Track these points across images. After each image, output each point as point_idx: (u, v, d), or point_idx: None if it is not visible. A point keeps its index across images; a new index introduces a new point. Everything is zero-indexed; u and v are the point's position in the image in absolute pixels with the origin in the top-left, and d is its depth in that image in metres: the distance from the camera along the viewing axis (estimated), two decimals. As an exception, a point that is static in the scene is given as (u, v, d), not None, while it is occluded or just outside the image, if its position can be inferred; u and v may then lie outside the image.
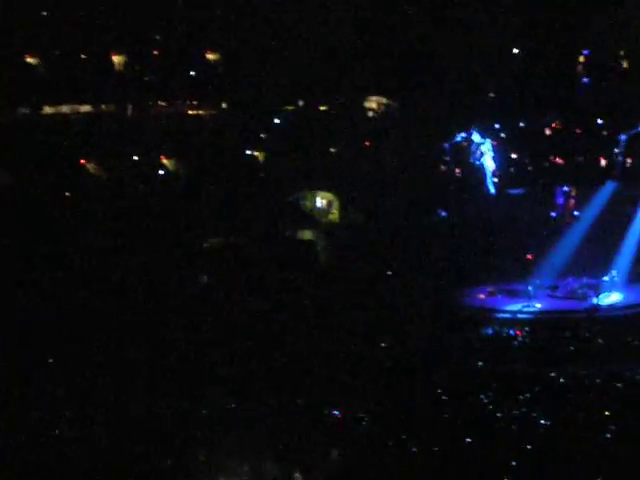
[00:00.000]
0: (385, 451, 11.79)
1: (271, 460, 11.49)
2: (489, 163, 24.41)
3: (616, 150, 22.19)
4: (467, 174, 25.06)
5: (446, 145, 24.62)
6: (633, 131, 22.10)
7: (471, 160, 24.84)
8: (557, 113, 24.90)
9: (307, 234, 26.57)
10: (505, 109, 26.23)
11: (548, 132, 25.71)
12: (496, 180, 24.72)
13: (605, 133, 24.02)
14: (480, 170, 24.69)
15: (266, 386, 14.21)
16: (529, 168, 25.24)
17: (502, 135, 25.38)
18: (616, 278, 23.07)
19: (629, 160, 22.76)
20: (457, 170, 25.39)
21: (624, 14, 24.15)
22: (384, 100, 27.60)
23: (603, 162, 23.69)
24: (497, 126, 25.57)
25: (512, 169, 25.32)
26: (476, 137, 24.62)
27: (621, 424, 11.94)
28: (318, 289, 22.66)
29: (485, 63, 25.76)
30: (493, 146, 24.34)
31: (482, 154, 24.36)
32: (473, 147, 24.69)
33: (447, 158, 24.54)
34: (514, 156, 25.57)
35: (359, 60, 25.64)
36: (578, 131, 23.13)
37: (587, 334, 18.52)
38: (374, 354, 17.26)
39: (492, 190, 24.65)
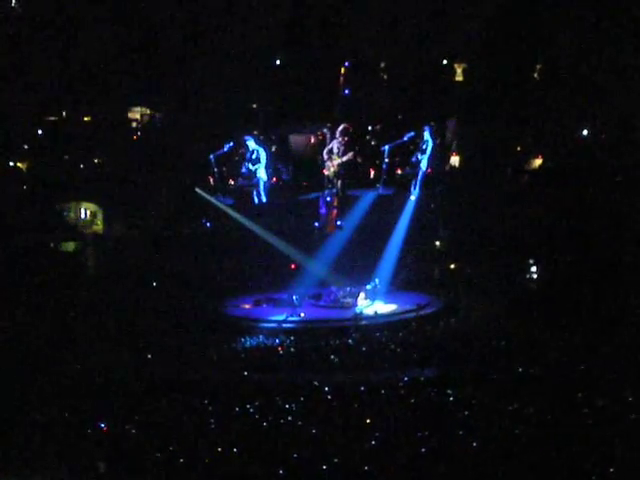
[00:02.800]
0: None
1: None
2: (262, 173, 24.34)
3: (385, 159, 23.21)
4: (240, 184, 25.13)
5: (211, 156, 23.99)
6: (398, 142, 23.18)
7: (244, 169, 24.70)
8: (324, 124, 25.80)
9: (71, 245, 26.64)
10: (272, 118, 26.99)
11: (313, 141, 26.76)
12: (266, 189, 24.72)
13: (373, 143, 25.52)
14: (253, 179, 24.66)
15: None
16: (302, 177, 26.02)
17: (273, 144, 26.03)
18: (378, 286, 23.93)
19: (390, 169, 23.89)
20: (230, 181, 25.52)
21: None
22: (148, 111, 28.41)
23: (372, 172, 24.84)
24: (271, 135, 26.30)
25: (282, 179, 25.90)
26: (251, 143, 24.40)
27: (385, 431, 11.84)
28: (82, 300, 22.63)
29: (247, 70, 26.31)
30: (267, 154, 24.37)
31: (256, 162, 24.19)
32: (247, 155, 24.57)
33: (216, 168, 24.04)
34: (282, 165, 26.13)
35: (123, 72, 26.01)
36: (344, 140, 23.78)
37: (350, 342, 18.67)
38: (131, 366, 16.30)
39: (264, 199, 24.57)
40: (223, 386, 14.60)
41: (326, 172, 24.25)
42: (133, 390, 14.24)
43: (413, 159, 23.97)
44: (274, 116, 27.25)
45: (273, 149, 25.62)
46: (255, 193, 24.35)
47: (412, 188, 24.58)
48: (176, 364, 16.57)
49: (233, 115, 26.85)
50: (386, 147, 23.20)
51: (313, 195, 25.54)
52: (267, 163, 24.25)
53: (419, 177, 24.60)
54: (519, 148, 27.54)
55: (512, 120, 26.57)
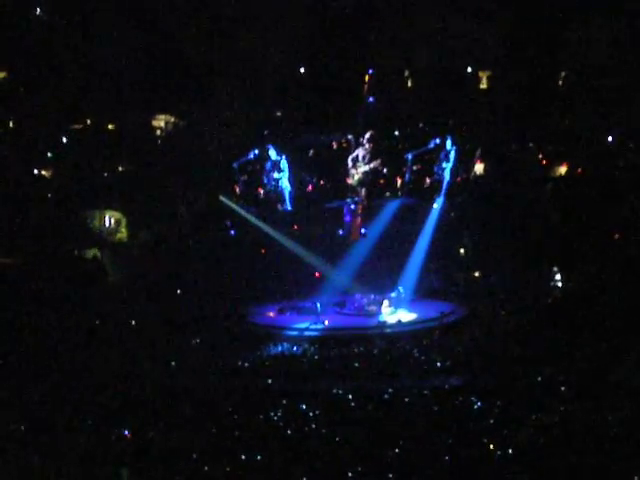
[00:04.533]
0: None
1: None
2: (285, 182, 24.66)
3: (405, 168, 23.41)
4: (264, 192, 25.59)
5: (235, 164, 24.27)
6: (422, 149, 23.31)
7: (267, 179, 25.01)
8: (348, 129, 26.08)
9: (95, 252, 26.70)
10: (296, 126, 27.20)
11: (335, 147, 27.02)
12: (291, 197, 25.05)
13: (400, 148, 25.69)
14: (278, 187, 24.98)
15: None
16: (328, 186, 26.21)
17: (297, 153, 26.28)
18: (402, 294, 24.10)
19: (415, 177, 24.07)
20: (255, 189, 25.94)
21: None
22: (172, 119, 28.45)
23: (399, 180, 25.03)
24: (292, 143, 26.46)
25: (308, 187, 26.16)
26: (272, 154, 24.71)
27: (410, 438, 11.94)
28: (108, 306, 22.88)
29: (271, 79, 26.50)
30: (289, 163, 24.67)
31: (281, 171, 24.51)
32: (268, 165, 24.88)
33: (241, 177, 24.37)
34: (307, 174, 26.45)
35: (146, 79, 26.18)
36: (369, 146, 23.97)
37: (373, 349, 18.83)
38: (155, 375, 16.57)
39: (289, 207, 24.90)
40: (248, 394, 14.81)
41: (350, 180, 24.50)
42: (155, 398, 14.45)
43: (436, 168, 24.11)
44: (298, 124, 27.44)
45: (297, 158, 25.89)
46: (279, 202, 24.71)
47: (436, 196, 24.78)
48: (201, 373, 16.81)
49: (257, 123, 27.12)
50: (409, 155, 23.35)
51: (337, 203, 25.84)
52: (290, 172, 24.58)
53: (443, 185, 24.84)
54: (542, 155, 27.47)
55: (537, 127, 26.53)
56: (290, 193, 24.72)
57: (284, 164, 24.91)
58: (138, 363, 17.48)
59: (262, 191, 25.38)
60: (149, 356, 18.23)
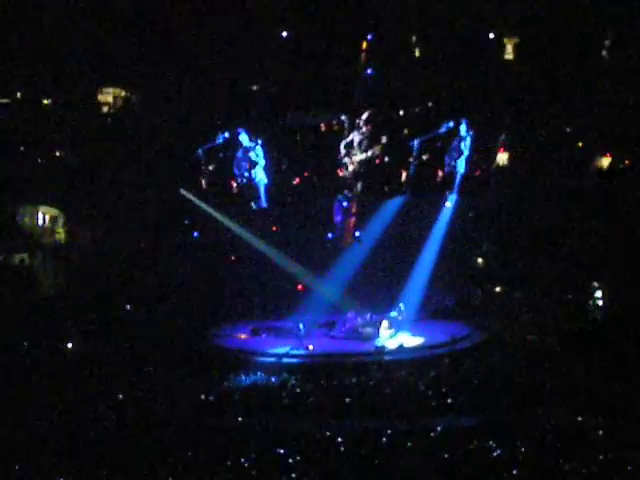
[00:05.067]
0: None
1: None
2: (261, 173, 24.81)
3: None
4: (237, 186, 25.87)
5: (199, 150, 24.40)
6: (432, 134, 23.51)
7: (238, 169, 25.16)
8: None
9: (23, 257, 26.71)
10: (276, 103, 27.24)
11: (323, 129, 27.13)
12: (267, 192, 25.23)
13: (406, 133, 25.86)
14: (252, 180, 25.13)
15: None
16: (314, 178, 26.39)
17: (277, 137, 26.45)
18: (405, 313, 24.31)
19: (423, 169, 24.32)
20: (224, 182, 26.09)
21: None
22: (122, 92, 28.25)
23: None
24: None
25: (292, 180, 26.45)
26: (245, 139, 24.83)
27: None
28: (40, 324, 23.00)
29: (247, 43, 26.62)
30: (266, 150, 24.79)
31: (255, 160, 24.67)
32: (240, 152, 24.95)
33: (207, 166, 24.50)
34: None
35: (88, 41, 26.10)
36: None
37: (370, 381, 19.01)
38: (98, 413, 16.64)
39: (264, 204, 25.06)
40: (213, 435, 14.89)
41: (343, 172, 24.64)
42: (99, 443, 14.56)
43: (448, 158, 24.32)
44: (279, 101, 27.47)
45: (277, 143, 26.00)
46: (254, 198, 24.87)
47: (448, 193, 24.95)
48: (156, 409, 16.89)
49: (227, 99, 27.12)
50: (415, 142, 23.57)
51: (326, 200, 26.01)
52: (268, 162, 24.70)
53: (457, 179, 25.02)
54: (582, 144, 27.63)
55: (574, 110, 26.69)
56: (266, 187, 24.84)
57: (259, 151, 25.04)
58: (71, 401, 17.48)
59: (234, 184, 25.46)
60: (85, 390, 18.24)
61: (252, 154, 25.37)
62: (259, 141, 25.21)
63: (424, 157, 24.45)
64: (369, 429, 15.37)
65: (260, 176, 24.91)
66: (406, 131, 26.42)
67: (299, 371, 20.07)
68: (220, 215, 25.75)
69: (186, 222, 27.23)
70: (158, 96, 27.29)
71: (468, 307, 26.55)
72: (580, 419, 15.14)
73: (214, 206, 25.72)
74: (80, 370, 19.97)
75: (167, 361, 21.03)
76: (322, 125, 26.95)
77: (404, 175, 25.22)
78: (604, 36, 27.02)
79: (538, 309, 24.90)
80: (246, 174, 25.20)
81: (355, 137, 24.16)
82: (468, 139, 24.47)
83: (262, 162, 25.19)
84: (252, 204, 25.16)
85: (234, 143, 25.34)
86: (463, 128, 24.22)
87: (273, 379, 19.40)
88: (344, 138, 24.94)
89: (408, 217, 26.05)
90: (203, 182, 25.28)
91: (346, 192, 24.91)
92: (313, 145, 26.67)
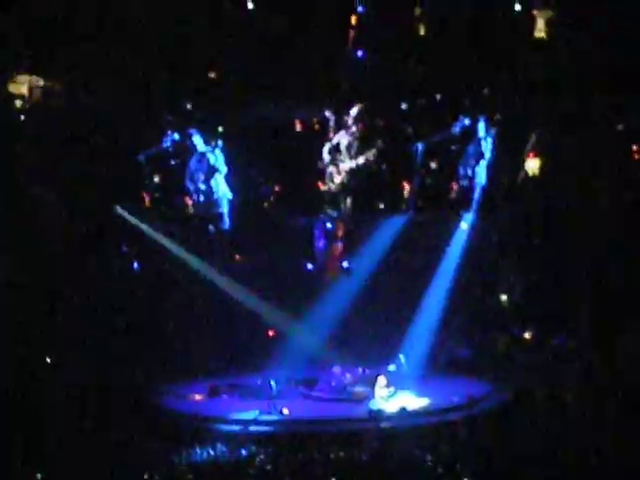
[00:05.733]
0: None
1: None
2: (223, 187, 25.14)
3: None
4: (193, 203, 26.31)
5: (141, 156, 24.85)
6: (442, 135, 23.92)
7: (188, 183, 25.51)
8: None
9: None
10: (237, 93, 27.53)
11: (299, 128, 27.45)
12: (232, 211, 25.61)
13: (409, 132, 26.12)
14: (208, 196, 25.44)
15: None
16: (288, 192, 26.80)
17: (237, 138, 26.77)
18: (406, 367, 24.78)
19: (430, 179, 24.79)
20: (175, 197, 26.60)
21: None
22: (40, 82, 28.23)
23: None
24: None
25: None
26: (198, 141, 25.18)
27: None
28: None
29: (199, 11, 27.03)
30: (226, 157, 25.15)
31: (213, 170, 25.00)
32: (193, 160, 25.29)
33: (149, 180, 24.89)
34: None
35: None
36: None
37: (362, 456, 19.34)
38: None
39: (226, 226, 25.34)
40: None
41: (325, 185, 24.87)
42: None
43: (463, 168, 24.65)
44: (241, 91, 27.64)
45: (238, 146, 26.36)
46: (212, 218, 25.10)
47: (463, 210, 25.26)
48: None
49: (174, 90, 27.33)
50: (419, 145, 24.01)
51: (303, 221, 26.32)
52: (231, 171, 24.96)
53: (475, 193, 25.34)
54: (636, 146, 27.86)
55: (629, 102, 26.92)
56: (230, 203, 25.11)
57: (219, 156, 25.34)
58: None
59: (190, 201, 25.65)
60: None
61: (211, 159, 25.54)
62: (219, 142, 25.41)
63: (432, 165, 24.67)
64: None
65: (222, 189, 25.13)
66: (408, 130, 26.63)
67: (270, 443, 20.26)
68: (168, 241, 25.95)
69: (124, 249, 27.44)
70: (86, 85, 27.39)
71: (488, 358, 26.82)
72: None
73: (160, 229, 25.85)
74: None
75: (99, 428, 21.15)
76: (297, 123, 27.18)
77: (407, 189, 25.41)
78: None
79: (580, 362, 25.06)
80: (202, 186, 25.37)
81: (342, 139, 24.25)
82: (489, 141, 24.71)
83: (223, 170, 25.40)
84: (210, 227, 25.37)
85: (185, 147, 25.59)
86: (482, 127, 24.49)
87: (238, 453, 19.54)
88: (328, 140, 24.99)
89: (411, 241, 26.38)
90: (146, 198, 25.41)
91: (330, 210, 25.05)
92: (287, 149, 26.86)
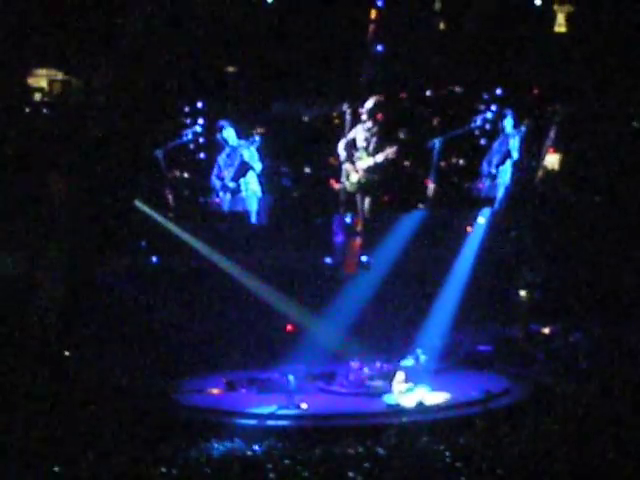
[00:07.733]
0: None
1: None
2: (254, 185, 25.26)
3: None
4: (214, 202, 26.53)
5: (158, 152, 25.06)
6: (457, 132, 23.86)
7: (213, 179, 25.84)
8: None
9: None
10: (257, 90, 27.60)
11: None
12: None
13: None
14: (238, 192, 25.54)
15: None
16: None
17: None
18: (424, 361, 24.81)
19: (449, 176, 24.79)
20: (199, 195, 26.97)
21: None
22: (59, 75, 28.83)
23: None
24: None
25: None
26: (230, 134, 25.17)
27: None
28: None
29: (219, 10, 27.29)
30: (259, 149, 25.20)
31: (244, 169, 25.07)
32: (224, 155, 25.39)
33: (168, 173, 24.96)
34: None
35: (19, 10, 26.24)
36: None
37: (379, 450, 19.34)
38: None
39: (254, 220, 25.50)
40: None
41: (341, 184, 24.90)
42: None
43: (486, 167, 24.56)
44: (260, 87, 27.65)
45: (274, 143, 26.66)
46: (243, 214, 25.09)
47: (485, 207, 25.25)
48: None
49: (197, 82, 27.36)
50: (436, 142, 24.03)
51: (320, 220, 26.44)
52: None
53: (498, 190, 25.33)
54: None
55: None
56: (260, 201, 25.06)
57: (254, 153, 25.26)
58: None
59: (217, 200, 25.58)
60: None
61: (245, 155, 25.48)
62: (256, 138, 25.35)
63: (454, 161, 24.60)
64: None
65: (253, 187, 25.14)
66: (435, 122, 26.53)
67: (288, 437, 20.23)
68: (187, 234, 26.03)
69: (140, 244, 27.62)
70: (107, 79, 27.41)
71: (507, 353, 26.73)
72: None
73: (181, 225, 26.07)
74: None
75: (114, 422, 21.01)
76: (306, 118, 27.30)
77: (431, 187, 25.38)
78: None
79: (604, 356, 24.97)
80: (231, 184, 25.35)
81: (359, 134, 24.16)
82: (517, 138, 24.60)
83: (258, 167, 25.38)
84: (232, 223, 25.35)
85: (211, 142, 25.52)
86: (509, 122, 24.41)
87: (255, 447, 19.55)
88: (344, 136, 24.99)
89: (431, 236, 26.38)
90: (169, 196, 25.38)
91: (346, 209, 25.11)
92: (308, 144, 26.87)
